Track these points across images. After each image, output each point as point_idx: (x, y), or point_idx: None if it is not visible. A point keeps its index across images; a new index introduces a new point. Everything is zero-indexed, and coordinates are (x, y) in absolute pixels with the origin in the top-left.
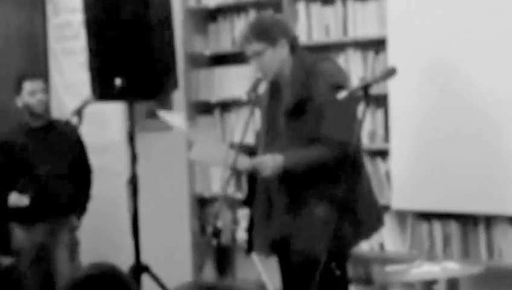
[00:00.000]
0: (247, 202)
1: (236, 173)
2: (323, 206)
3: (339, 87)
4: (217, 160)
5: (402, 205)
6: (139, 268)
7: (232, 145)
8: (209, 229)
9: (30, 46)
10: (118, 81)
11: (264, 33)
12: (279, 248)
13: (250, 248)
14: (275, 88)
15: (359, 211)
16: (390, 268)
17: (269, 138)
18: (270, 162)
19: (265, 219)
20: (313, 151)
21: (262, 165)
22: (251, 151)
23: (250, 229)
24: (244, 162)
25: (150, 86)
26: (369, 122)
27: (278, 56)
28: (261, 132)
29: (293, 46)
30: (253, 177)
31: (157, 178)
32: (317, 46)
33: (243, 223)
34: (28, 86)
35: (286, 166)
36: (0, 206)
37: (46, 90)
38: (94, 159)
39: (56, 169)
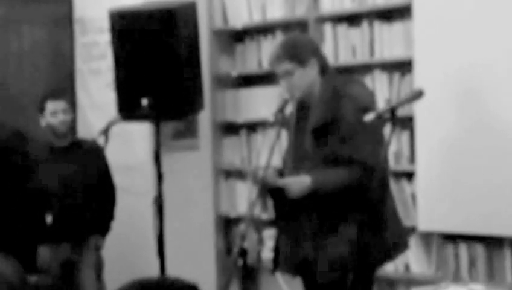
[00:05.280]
0: (276, 222)
1: (264, 188)
2: (350, 227)
3: (367, 110)
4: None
5: (428, 226)
6: None
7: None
8: (235, 250)
9: (57, 65)
10: (144, 102)
11: (295, 53)
12: (305, 269)
13: (276, 267)
14: (302, 109)
15: (385, 233)
16: None
17: (296, 159)
18: (297, 185)
19: (292, 239)
20: (341, 172)
21: (289, 187)
22: (279, 173)
23: (276, 249)
24: (273, 180)
25: (176, 106)
26: (394, 143)
27: (308, 76)
28: (288, 152)
29: (323, 67)
30: (280, 197)
31: (182, 198)
32: (344, 68)
33: (268, 244)
34: (50, 106)
35: (314, 187)
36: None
37: (69, 110)
38: (120, 179)
39: (80, 188)
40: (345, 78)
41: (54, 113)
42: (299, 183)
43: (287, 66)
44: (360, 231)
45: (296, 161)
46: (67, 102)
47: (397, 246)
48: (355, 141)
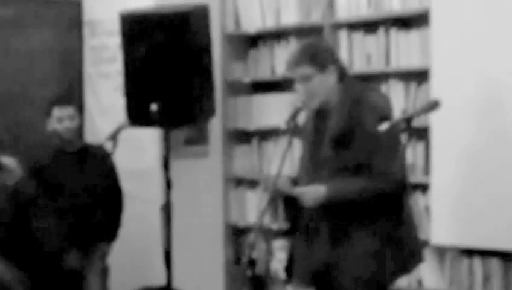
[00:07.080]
0: (290, 232)
1: (277, 197)
2: (367, 239)
3: (385, 118)
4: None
5: (441, 240)
6: None
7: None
8: (244, 260)
9: (66, 68)
10: (153, 107)
11: (315, 57)
12: (320, 280)
13: (289, 276)
14: (320, 117)
15: (402, 245)
16: None
17: (313, 167)
18: (312, 194)
19: (307, 249)
20: (358, 182)
21: (304, 196)
22: (293, 181)
23: (290, 258)
24: (288, 188)
25: (187, 112)
26: (409, 154)
27: (326, 82)
28: (303, 161)
29: (342, 74)
30: (293, 206)
31: (191, 206)
32: (359, 76)
33: (278, 254)
34: (56, 112)
35: (329, 197)
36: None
37: (77, 116)
38: (128, 185)
39: (87, 194)
40: (363, 86)
41: (60, 119)
42: (313, 192)
43: (306, 70)
44: (375, 242)
45: (312, 170)
46: (74, 108)
47: (413, 259)
48: (374, 150)
